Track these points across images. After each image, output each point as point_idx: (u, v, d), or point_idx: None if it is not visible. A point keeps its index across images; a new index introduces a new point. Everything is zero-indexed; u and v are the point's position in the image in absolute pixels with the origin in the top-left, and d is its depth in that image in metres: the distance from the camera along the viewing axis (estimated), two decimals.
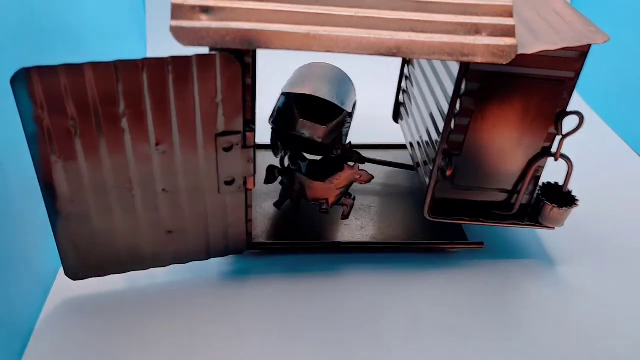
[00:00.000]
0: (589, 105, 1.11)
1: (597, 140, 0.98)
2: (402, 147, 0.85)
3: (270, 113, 0.66)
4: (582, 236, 0.72)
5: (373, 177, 0.65)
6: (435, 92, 0.64)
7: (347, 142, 0.67)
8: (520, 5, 0.62)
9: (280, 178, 0.68)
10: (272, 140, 0.68)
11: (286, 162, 0.69)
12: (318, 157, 0.69)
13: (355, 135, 0.80)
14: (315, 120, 0.62)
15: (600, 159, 0.92)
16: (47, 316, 0.57)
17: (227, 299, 0.61)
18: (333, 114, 0.63)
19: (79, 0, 0.74)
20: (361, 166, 0.65)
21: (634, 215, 0.78)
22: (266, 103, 0.74)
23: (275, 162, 0.71)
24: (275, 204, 0.70)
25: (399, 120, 0.85)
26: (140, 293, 0.60)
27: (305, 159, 0.68)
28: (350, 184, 0.65)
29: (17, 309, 0.54)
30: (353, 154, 0.69)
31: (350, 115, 0.66)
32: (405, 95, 0.81)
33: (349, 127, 0.67)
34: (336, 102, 0.63)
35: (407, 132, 0.80)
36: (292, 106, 0.63)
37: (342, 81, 0.69)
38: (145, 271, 0.60)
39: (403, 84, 0.82)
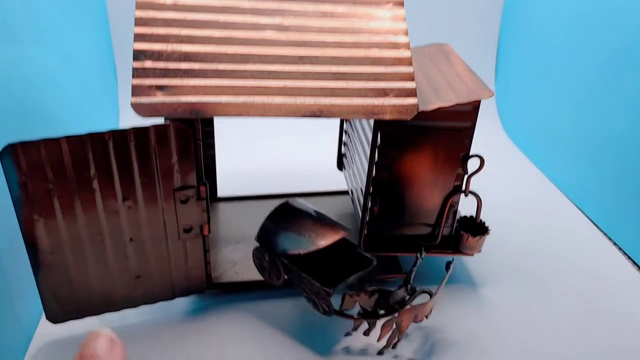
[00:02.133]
0: (515, 144, 1.24)
1: (522, 175, 1.11)
2: (345, 192, 0.95)
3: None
4: (500, 261, 0.83)
5: None
6: (364, 144, 0.75)
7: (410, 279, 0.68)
8: (429, 67, 0.74)
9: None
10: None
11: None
12: None
13: (305, 182, 0.91)
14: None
15: (522, 192, 1.04)
16: (32, 356, 0.64)
17: (192, 335, 0.69)
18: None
19: (56, 80, 0.84)
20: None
21: (543, 240, 0.90)
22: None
23: None
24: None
25: (343, 169, 0.96)
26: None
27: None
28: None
29: (4, 352, 0.62)
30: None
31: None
32: (345, 147, 0.92)
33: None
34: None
35: (348, 180, 0.91)
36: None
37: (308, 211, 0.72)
38: (118, 312, 0.68)
39: (344, 138, 0.93)
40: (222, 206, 0.93)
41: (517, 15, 1.30)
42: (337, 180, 0.98)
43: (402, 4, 0.68)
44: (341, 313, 0.65)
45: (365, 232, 0.73)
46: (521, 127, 1.27)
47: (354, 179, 0.84)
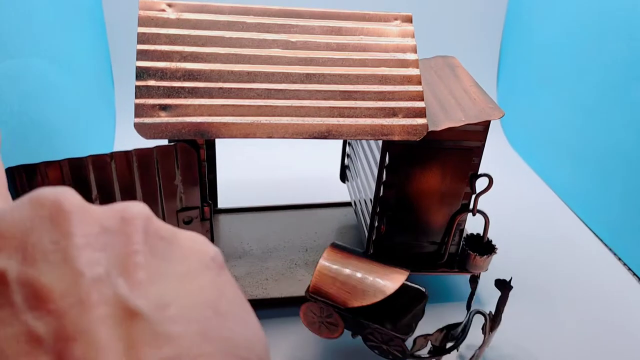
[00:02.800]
0: (517, 152, 1.23)
1: (525, 186, 1.10)
2: (347, 204, 0.94)
3: None
4: (505, 276, 0.81)
5: None
6: (369, 158, 0.74)
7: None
8: (436, 82, 0.73)
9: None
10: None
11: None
12: None
13: (306, 193, 0.89)
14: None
15: (525, 204, 1.03)
16: None
17: None
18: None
19: (53, 92, 0.82)
20: None
21: (548, 255, 0.88)
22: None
23: None
24: None
25: (346, 181, 0.94)
26: None
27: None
28: None
29: None
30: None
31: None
32: (349, 159, 0.91)
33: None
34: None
35: (351, 192, 0.89)
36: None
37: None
38: None
39: (347, 149, 0.92)
40: (222, 218, 0.91)
41: (520, 24, 1.29)
42: (339, 191, 0.96)
43: (410, 20, 0.66)
44: (413, 355, 0.63)
45: (371, 250, 0.72)
46: (524, 136, 1.26)
47: (358, 193, 0.83)
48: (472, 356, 0.63)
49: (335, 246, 0.67)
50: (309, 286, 0.63)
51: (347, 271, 0.63)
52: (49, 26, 0.85)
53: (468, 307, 0.66)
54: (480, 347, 0.62)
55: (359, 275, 0.62)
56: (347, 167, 0.92)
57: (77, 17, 1.03)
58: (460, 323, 0.65)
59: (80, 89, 0.99)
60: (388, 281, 0.62)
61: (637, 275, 0.86)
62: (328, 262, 0.64)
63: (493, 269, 0.75)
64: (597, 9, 0.99)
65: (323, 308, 0.62)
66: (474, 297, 0.70)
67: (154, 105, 0.57)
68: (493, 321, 0.65)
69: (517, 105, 1.27)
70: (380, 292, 0.61)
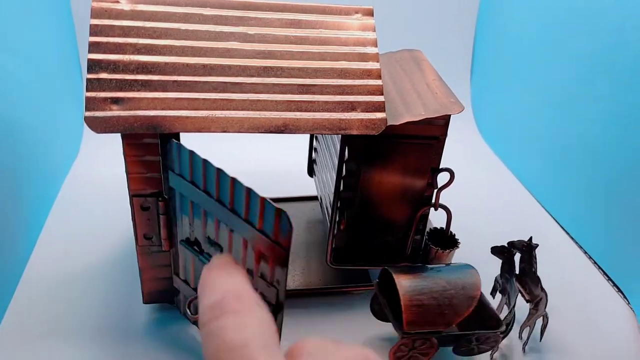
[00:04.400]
0: (490, 148, 1.23)
1: (496, 181, 1.10)
2: (316, 198, 0.94)
3: None
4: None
5: None
6: (332, 153, 0.73)
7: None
8: (399, 75, 0.72)
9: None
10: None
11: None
12: None
13: (276, 187, 0.88)
14: None
15: (495, 199, 1.03)
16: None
17: (154, 346, 0.67)
18: None
19: (18, 85, 0.80)
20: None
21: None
22: None
23: None
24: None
25: (313, 175, 0.94)
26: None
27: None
28: None
29: None
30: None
31: None
32: (316, 153, 0.90)
33: None
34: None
35: (317, 186, 0.89)
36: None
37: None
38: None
39: (314, 143, 0.91)
40: None
41: (493, 19, 1.29)
42: (307, 186, 0.96)
43: (371, 14, 0.66)
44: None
45: (334, 245, 0.71)
46: (496, 129, 1.26)
47: (323, 188, 0.82)
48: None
49: (399, 271, 0.65)
50: (400, 326, 0.62)
51: (433, 293, 0.63)
52: (9, 17, 0.83)
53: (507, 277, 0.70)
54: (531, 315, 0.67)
55: (443, 292, 0.63)
56: (314, 161, 0.92)
57: (42, 8, 1.01)
58: (517, 296, 0.67)
59: (45, 83, 0.97)
60: (469, 285, 0.64)
61: (601, 268, 0.87)
62: (409, 290, 0.63)
63: (459, 260, 0.75)
64: (566, 4, 0.99)
65: (417, 339, 0.62)
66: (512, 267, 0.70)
67: (105, 99, 0.55)
68: (521, 280, 0.68)
69: (490, 99, 1.27)
70: (471, 298, 0.63)
